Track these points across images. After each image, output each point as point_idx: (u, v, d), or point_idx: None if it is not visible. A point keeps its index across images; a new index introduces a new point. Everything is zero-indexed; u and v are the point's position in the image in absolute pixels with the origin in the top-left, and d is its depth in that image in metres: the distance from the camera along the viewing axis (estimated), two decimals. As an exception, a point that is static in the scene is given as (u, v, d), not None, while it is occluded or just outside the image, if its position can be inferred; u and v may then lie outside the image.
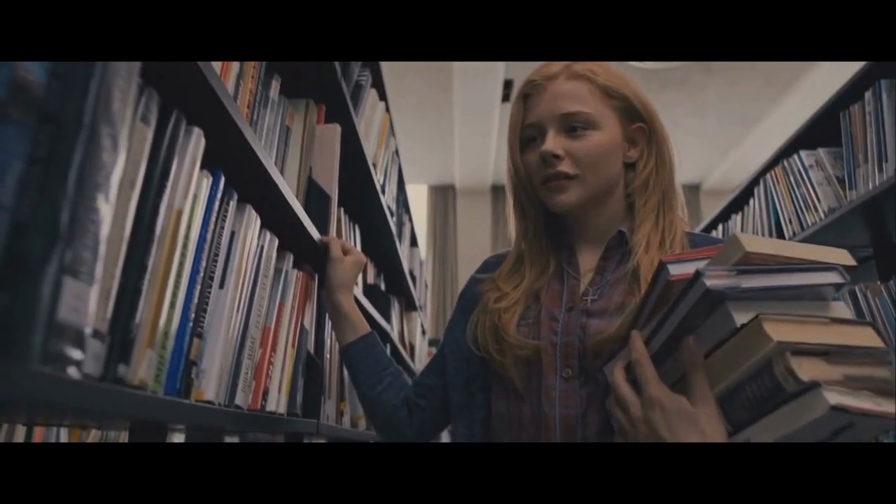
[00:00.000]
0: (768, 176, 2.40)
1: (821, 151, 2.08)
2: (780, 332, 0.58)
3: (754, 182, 2.56)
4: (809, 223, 2.07)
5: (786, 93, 4.95)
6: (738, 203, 2.75)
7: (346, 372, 1.57)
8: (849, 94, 1.87)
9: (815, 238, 2.02)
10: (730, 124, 5.54)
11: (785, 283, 0.62)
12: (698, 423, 0.65)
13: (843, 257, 0.66)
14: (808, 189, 2.10)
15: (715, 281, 0.61)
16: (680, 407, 0.67)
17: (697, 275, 0.62)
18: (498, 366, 0.96)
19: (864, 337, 0.61)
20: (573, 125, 0.96)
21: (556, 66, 0.99)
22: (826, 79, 4.39)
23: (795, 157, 2.17)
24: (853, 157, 1.85)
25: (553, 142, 0.96)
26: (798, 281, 0.63)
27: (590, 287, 0.96)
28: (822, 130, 2.06)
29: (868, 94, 1.78)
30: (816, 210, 2.04)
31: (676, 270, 0.66)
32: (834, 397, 0.55)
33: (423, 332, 4.30)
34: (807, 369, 0.57)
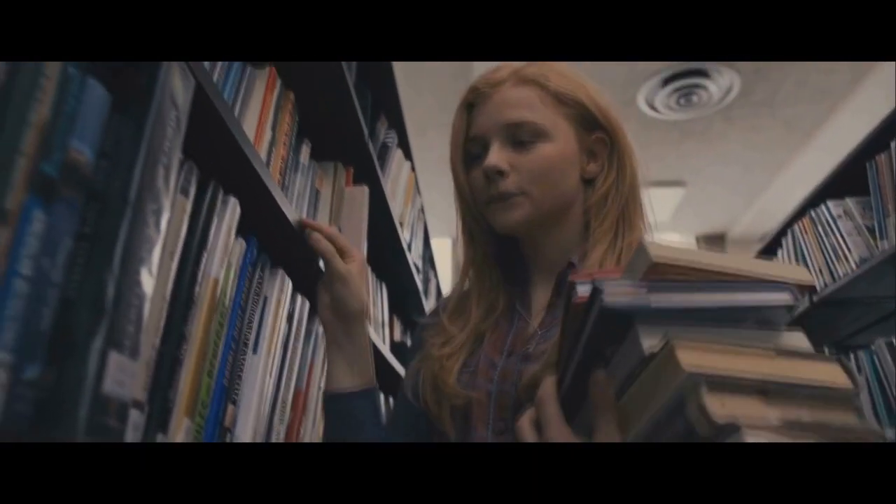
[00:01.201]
0: (796, 226, 2.39)
1: (849, 201, 2.07)
2: (696, 360, 0.45)
3: (782, 233, 2.54)
4: (841, 274, 2.04)
5: (808, 140, 4.94)
6: (766, 254, 2.72)
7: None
8: (875, 144, 1.87)
9: (847, 289, 1.99)
10: (753, 173, 5.52)
11: (712, 303, 0.49)
12: None
13: (799, 273, 0.52)
14: (837, 239, 2.08)
15: (616, 298, 0.48)
16: None
17: (595, 290, 0.49)
18: (435, 419, 0.84)
19: (824, 373, 0.47)
20: (520, 137, 0.84)
21: (504, 72, 0.88)
22: (848, 126, 4.38)
23: (823, 207, 2.16)
24: (882, 207, 1.84)
25: (497, 155, 0.84)
26: (730, 300, 0.49)
27: (539, 329, 0.84)
28: (848, 179, 2.06)
29: (894, 144, 1.77)
30: (847, 260, 2.02)
31: (587, 291, 0.52)
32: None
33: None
34: (731, 409, 0.43)
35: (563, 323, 0.59)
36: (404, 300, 2.42)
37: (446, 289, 5.42)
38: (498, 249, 0.92)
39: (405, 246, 2.02)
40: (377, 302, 1.98)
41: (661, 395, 0.47)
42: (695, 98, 4.18)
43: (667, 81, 3.98)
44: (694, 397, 0.44)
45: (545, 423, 0.57)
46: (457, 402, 0.82)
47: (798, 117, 4.61)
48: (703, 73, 3.96)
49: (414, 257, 2.27)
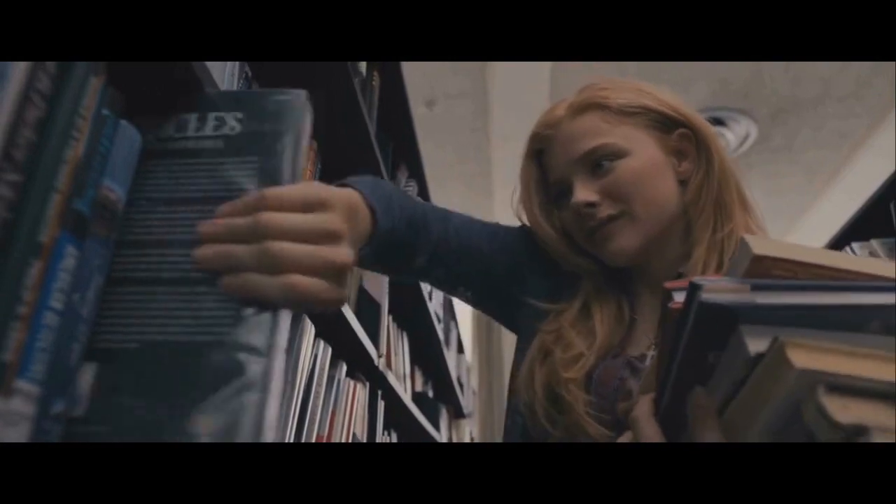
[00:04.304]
0: (821, 269, 2.36)
1: (874, 242, 2.04)
2: (811, 360, 0.39)
3: (807, 276, 2.51)
4: (870, 316, 2.01)
5: (829, 185, 4.93)
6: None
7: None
8: (898, 184, 1.86)
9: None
10: (775, 219, 5.50)
11: (828, 302, 0.43)
12: None
13: None
14: (865, 281, 2.05)
15: (715, 294, 0.43)
16: None
17: (693, 287, 0.45)
18: (540, 429, 0.78)
19: None
20: (598, 162, 0.81)
21: (559, 109, 0.86)
22: (869, 168, 4.37)
23: (848, 249, 2.13)
24: (909, 247, 1.82)
25: (582, 191, 0.81)
26: (849, 300, 0.43)
27: (651, 349, 0.80)
28: (872, 221, 2.04)
29: (918, 183, 1.76)
30: (876, 302, 1.98)
31: (683, 296, 0.48)
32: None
33: (472, 441, 4.19)
34: (856, 413, 0.38)
35: (661, 335, 0.54)
36: (425, 349, 2.41)
37: (466, 339, 5.38)
38: (608, 280, 0.87)
39: (426, 295, 2.01)
40: (399, 352, 1.97)
41: (772, 402, 0.41)
42: (712, 145, 4.19)
43: (683, 129, 4.00)
44: (810, 398, 0.39)
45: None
46: (576, 428, 0.76)
47: (817, 162, 4.61)
48: (718, 122, 3.99)
49: (435, 306, 2.27)
